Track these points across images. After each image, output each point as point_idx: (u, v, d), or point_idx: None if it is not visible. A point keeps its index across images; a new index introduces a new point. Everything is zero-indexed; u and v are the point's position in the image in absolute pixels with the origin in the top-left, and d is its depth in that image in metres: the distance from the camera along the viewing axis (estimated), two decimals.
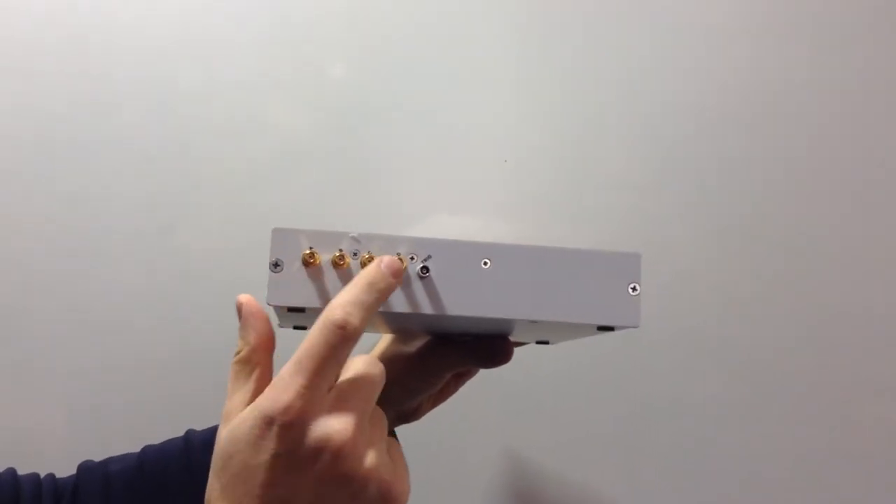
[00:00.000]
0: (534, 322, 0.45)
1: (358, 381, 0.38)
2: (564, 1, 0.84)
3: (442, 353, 0.55)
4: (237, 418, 0.37)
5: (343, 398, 0.37)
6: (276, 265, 0.41)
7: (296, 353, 0.37)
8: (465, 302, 0.43)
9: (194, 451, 0.58)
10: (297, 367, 0.36)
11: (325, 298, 0.41)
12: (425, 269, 0.42)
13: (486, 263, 0.44)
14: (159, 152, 0.78)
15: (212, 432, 0.59)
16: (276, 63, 0.80)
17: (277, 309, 0.43)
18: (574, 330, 0.48)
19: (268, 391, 0.36)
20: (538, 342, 0.60)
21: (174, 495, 0.57)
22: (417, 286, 0.43)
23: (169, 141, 0.78)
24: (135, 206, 0.77)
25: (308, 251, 0.41)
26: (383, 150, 0.80)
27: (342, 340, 0.36)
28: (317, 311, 0.43)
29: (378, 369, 0.40)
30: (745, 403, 0.80)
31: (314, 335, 0.36)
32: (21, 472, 0.59)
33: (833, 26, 0.86)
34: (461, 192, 0.81)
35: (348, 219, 0.77)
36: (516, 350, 0.58)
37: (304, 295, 0.41)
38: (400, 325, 0.53)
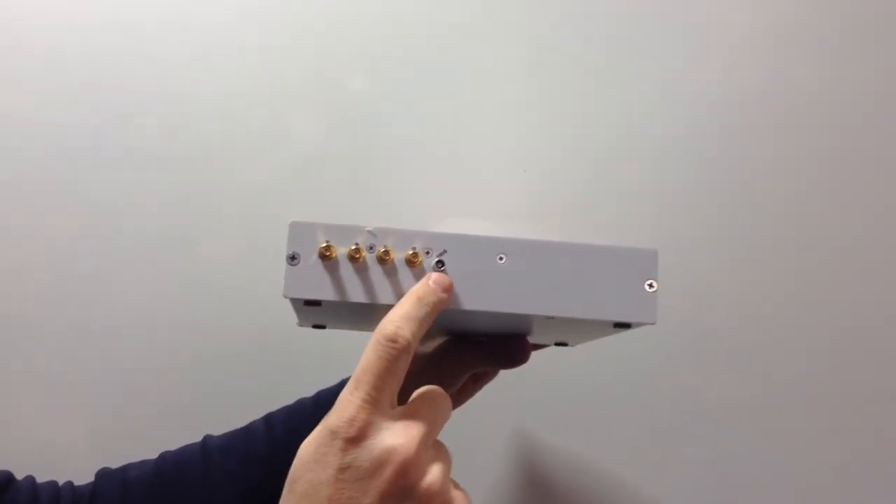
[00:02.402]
0: (549, 318, 0.44)
1: (425, 400, 0.39)
2: (583, 13, 0.84)
3: (458, 353, 0.55)
4: (305, 441, 0.38)
5: (409, 414, 0.38)
6: (292, 258, 0.42)
7: (354, 370, 0.38)
8: (480, 296, 0.43)
9: (211, 456, 0.58)
10: (355, 383, 0.37)
11: (342, 291, 0.42)
12: (440, 263, 0.42)
13: (501, 258, 0.43)
14: (178, 163, 0.79)
15: (228, 437, 0.59)
16: (295, 75, 0.81)
17: (294, 304, 0.43)
18: (590, 328, 0.48)
19: (332, 410, 0.37)
20: (557, 343, 0.60)
21: (192, 501, 0.57)
22: None
23: (188, 152, 0.79)
24: (154, 217, 0.78)
25: (324, 244, 0.42)
26: (401, 161, 0.81)
27: (395, 354, 0.37)
28: (333, 305, 0.43)
29: (445, 397, 0.40)
30: (765, 407, 0.79)
31: (369, 351, 0.37)
32: (40, 480, 0.59)
33: (849, 34, 0.86)
34: (479, 203, 0.81)
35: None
36: (536, 354, 0.58)
37: (320, 288, 0.41)
38: None
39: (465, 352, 0.55)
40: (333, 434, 0.36)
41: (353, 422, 0.36)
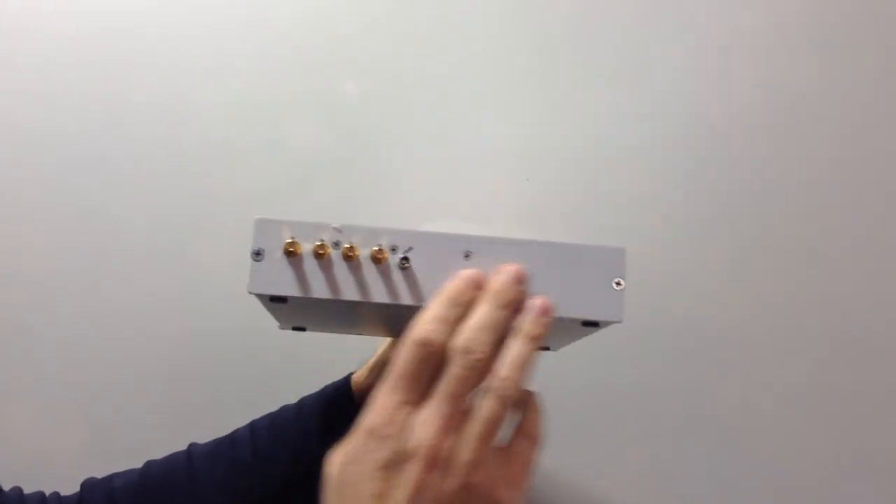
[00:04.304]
0: None
1: (455, 386, 0.38)
2: (583, 22, 0.85)
3: None
4: (343, 443, 0.39)
5: (437, 403, 0.38)
6: (257, 254, 0.42)
7: (391, 371, 0.38)
8: None
9: (196, 463, 0.58)
10: (392, 386, 0.38)
11: (306, 288, 0.42)
12: (405, 260, 0.43)
13: (467, 256, 0.43)
14: (175, 170, 0.80)
15: (213, 445, 0.60)
16: (294, 82, 0.82)
17: (261, 300, 0.44)
18: (560, 327, 0.48)
19: (368, 410, 0.38)
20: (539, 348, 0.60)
21: None
22: (398, 277, 0.43)
23: (184, 159, 0.80)
24: (151, 224, 0.79)
25: (289, 241, 0.42)
26: (400, 168, 0.81)
27: (426, 356, 0.38)
28: (301, 302, 0.43)
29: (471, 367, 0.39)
30: (744, 404, 0.78)
31: (401, 354, 0.38)
32: (29, 488, 0.59)
33: (834, 38, 0.85)
34: (481, 211, 0.81)
35: None
36: None
37: (284, 284, 0.42)
38: (395, 325, 0.53)
39: None
40: (371, 433, 0.37)
41: (391, 422, 0.37)
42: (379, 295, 0.42)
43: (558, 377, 0.76)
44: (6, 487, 0.58)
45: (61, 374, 0.76)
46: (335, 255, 0.42)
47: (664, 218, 0.81)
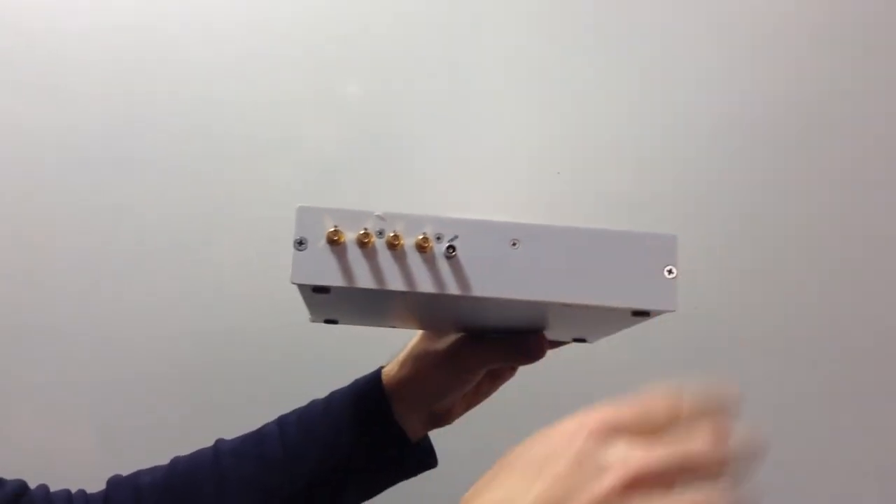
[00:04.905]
0: (565, 306, 0.43)
1: (680, 457, 0.36)
2: (611, 13, 0.84)
3: (473, 348, 0.54)
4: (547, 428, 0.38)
5: (658, 440, 0.36)
6: (300, 243, 0.41)
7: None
8: (492, 283, 0.42)
9: (224, 459, 0.57)
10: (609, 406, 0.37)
11: (350, 277, 0.40)
12: (451, 248, 0.41)
13: (514, 244, 0.42)
14: (196, 169, 0.79)
15: (240, 441, 0.59)
16: (302, 81, 0.81)
17: (303, 291, 0.42)
18: (608, 317, 0.46)
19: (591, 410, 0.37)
20: (575, 340, 0.58)
21: None
22: (444, 266, 0.41)
23: (206, 158, 0.79)
24: (170, 222, 0.78)
25: (332, 229, 0.41)
26: (426, 167, 0.81)
27: (651, 410, 0.37)
28: (342, 293, 0.42)
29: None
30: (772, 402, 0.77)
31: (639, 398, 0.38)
32: (53, 489, 0.58)
33: (869, 31, 0.85)
34: (511, 206, 0.80)
35: None
36: (556, 353, 0.56)
37: (328, 274, 0.40)
38: (430, 318, 0.52)
39: (479, 347, 0.54)
40: (583, 424, 0.36)
41: (605, 422, 0.36)
42: (424, 284, 0.41)
43: (589, 369, 0.75)
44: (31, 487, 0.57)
45: (62, 374, 0.75)
46: (379, 243, 0.41)
47: (687, 213, 0.80)
